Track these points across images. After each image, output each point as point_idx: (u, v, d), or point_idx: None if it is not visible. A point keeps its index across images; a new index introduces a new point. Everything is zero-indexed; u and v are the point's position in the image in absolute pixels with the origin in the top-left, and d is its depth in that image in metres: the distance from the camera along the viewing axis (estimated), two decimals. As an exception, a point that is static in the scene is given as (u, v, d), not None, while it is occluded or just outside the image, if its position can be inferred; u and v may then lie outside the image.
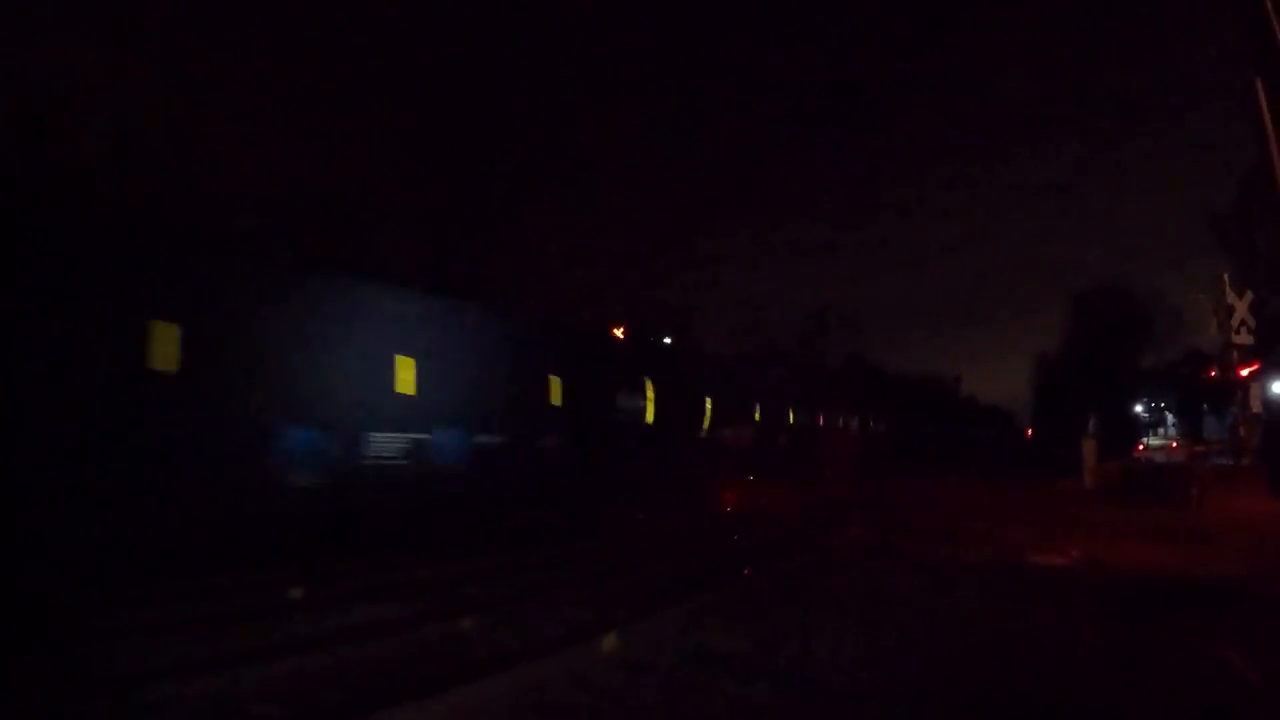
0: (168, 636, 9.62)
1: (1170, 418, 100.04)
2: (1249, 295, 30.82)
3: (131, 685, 7.67)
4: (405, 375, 19.36)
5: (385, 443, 18.61)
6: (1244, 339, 30.63)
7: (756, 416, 35.53)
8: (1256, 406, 33.90)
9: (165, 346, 14.69)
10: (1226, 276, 32.38)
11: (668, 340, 42.85)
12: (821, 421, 42.58)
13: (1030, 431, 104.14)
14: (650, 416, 26.34)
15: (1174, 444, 77.50)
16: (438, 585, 13.35)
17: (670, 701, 7.42)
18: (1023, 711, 7.36)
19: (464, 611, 11.40)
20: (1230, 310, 30.51)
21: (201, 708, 7.34)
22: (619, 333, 33.89)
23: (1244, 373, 32.62)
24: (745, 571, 14.40)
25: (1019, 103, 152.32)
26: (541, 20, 73.90)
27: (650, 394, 26.04)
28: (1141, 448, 72.45)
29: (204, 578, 13.02)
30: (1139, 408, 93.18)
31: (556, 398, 23.44)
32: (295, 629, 10.22)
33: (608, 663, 8.70)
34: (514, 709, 7.20)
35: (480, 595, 12.63)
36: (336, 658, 8.83)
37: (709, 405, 31.08)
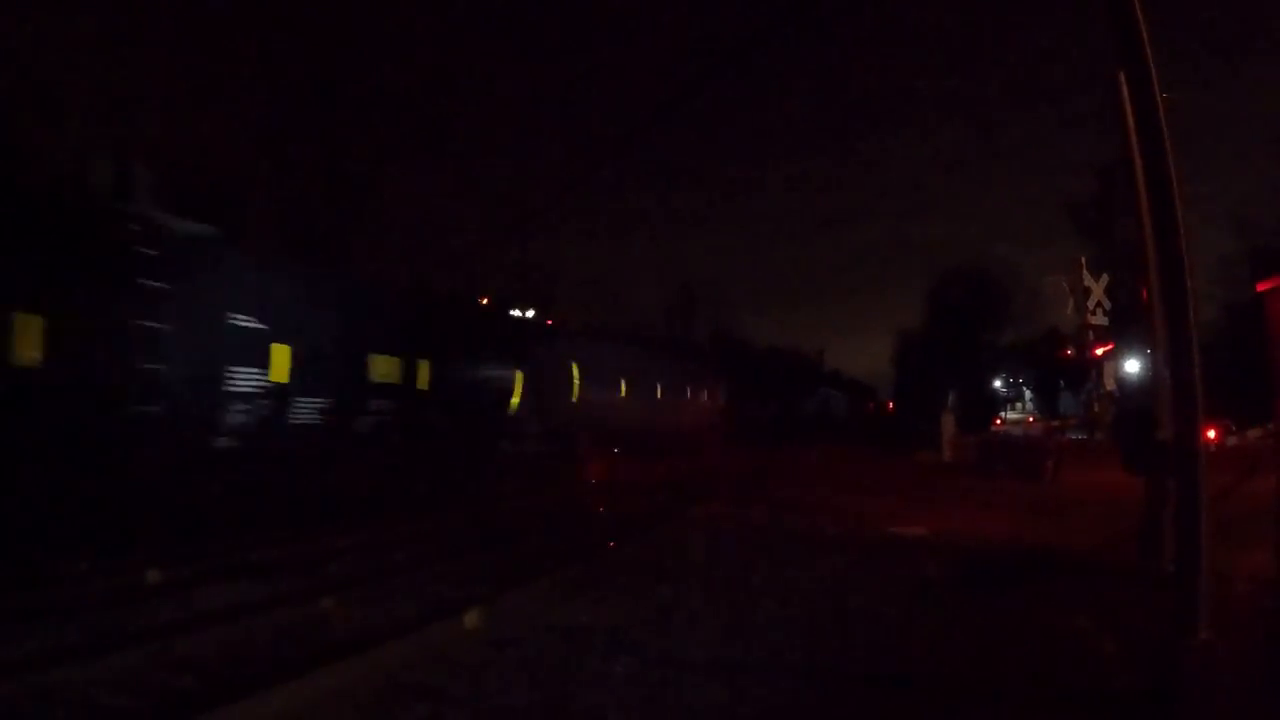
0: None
1: (1028, 394, 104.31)
2: (1105, 278, 32.18)
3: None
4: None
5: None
6: (1099, 320, 31.98)
7: (622, 391, 34.99)
8: (1110, 384, 35.47)
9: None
10: (1085, 260, 33.71)
11: (530, 313, 42.11)
12: (686, 394, 42.41)
13: (892, 405, 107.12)
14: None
15: (1031, 419, 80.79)
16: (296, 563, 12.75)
17: (531, 678, 7.24)
18: (881, 681, 7.41)
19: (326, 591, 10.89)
20: (1087, 292, 31.81)
21: (43, 699, 6.78)
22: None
23: (1099, 352, 33.99)
24: (610, 546, 14.24)
25: (897, 83, 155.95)
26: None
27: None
28: (999, 422, 75.30)
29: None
30: (998, 384, 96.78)
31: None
32: (146, 615, 9.57)
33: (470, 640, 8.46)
34: (373, 691, 6.92)
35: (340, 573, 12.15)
36: (186, 643, 8.28)
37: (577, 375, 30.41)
